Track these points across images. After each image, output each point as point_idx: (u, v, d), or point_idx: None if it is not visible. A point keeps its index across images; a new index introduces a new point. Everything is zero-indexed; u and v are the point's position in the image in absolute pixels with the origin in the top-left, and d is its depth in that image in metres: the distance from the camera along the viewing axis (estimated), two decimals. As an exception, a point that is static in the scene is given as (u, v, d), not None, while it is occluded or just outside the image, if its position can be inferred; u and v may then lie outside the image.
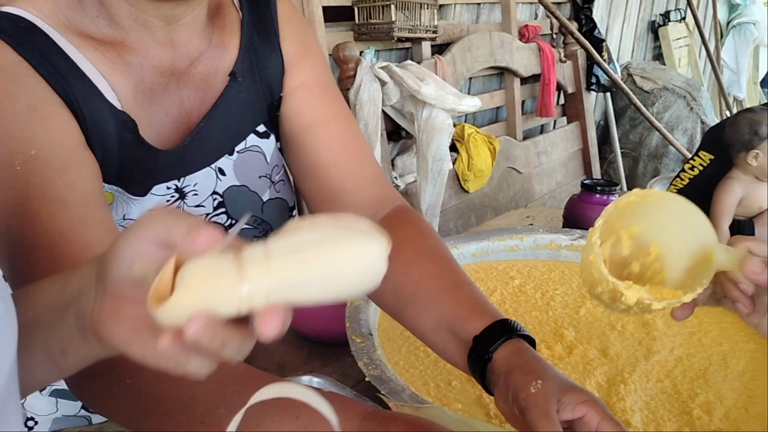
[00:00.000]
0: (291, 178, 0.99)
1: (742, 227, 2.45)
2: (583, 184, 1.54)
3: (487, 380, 0.71)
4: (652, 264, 0.67)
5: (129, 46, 0.78)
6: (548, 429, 0.61)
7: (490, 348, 0.70)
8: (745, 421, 0.85)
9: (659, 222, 0.66)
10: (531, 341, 0.73)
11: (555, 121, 4.03)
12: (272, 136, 0.94)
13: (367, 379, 0.87)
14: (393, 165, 2.63)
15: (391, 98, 2.28)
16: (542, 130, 3.93)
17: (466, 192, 2.92)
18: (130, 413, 0.62)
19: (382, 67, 2.25)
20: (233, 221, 0.91)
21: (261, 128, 0.93)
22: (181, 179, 0.85)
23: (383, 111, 2.36)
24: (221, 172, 0.89)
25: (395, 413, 0.57)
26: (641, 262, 0.67)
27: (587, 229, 1.40)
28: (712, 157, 2.61)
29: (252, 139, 0.92)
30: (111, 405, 0.64)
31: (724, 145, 2.45)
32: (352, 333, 0.97)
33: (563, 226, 1.58)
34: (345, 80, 2.24)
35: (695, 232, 0.64)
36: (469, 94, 2.87)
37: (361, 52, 2.35)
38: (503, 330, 0.72)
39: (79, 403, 0.98)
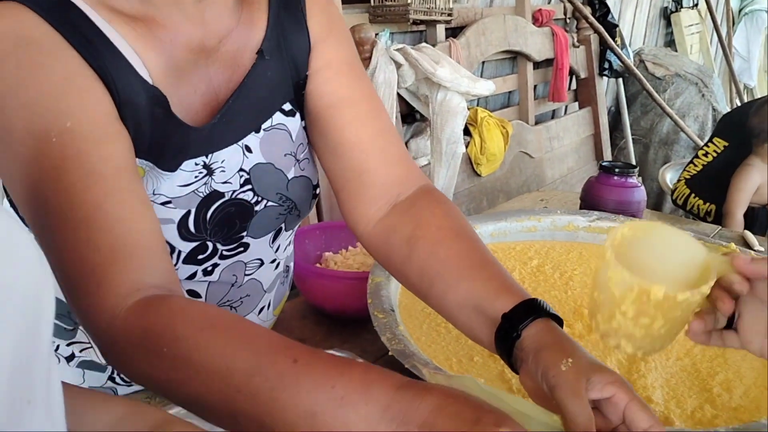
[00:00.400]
0: (315, 156, 1.00)
1: (756, 215, 2.46)
2: (601, 166, 1.54)
3: (514, 358, 0.72)
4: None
5: (160, 23, 0.79)
6: (577, 407, 0.62)
7: (520, 326, 0.71)
8: (765, 399, 0.86)
9: (659, 256, 0.69)
10: (558, 321, 0.73)
11: (567, 107, 4.03)
12: (298, 115, 0.95)
13: (390, 353, 0.88)
14: (407, 147, 2.63)
15: (406, 80, 2.29)
16: (554, 115, 3.92)
17: (479, 176, 2.92)
18: (167, 382, 0.63)
19: (397, 50, 2.25)
20: (259, 198, 0.92)
21: (287, 106, 0.94)
22: (209, 156, 0.86)
23: (398, 93, 2.36)
24: (248, 149, 0.90)
25: (429, 384, 0.58)
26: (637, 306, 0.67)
27: (605, 211, 1.42)
28: (726, 143, 2.61)
29: (278, 117, 0.93)
30: (147, 374, 0.64)
31: (746, 133, 2.44)
32: (374, 309, 0.98)
33: (580, 208, 1.59)
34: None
35: (689, 254, 0.68)
36: (482, 77, 2.87)
37: (376, 35, 2.35)
38: (532, 309, 0.72)
39: (106, 375, 0.99)
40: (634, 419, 0.62)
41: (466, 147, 2.80)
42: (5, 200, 0.79)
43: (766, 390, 0.88)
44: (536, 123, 3.51)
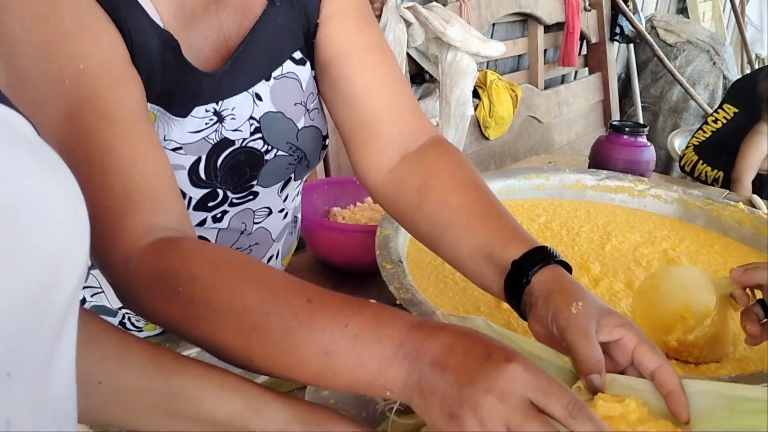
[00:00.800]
0: (324, 107, 1.00)
1: (764, 182, 2.44)
2: (611, 125, 1.54)
3: (523, 304, 0.73)
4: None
5: None
6: (587, 348, 0.62)
7: (530, 272, 0.71)
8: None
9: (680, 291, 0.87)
10: (568, 268, 0.74)
11: (576, 72, 4.00)
12: (308, 64, 0.95)
13: (398, 302, 0.89)
14: (415, 108, 2.62)
15: (416, 40, 2.27)
16: (563, 80, 3.89)
17: (487, 139, 2.92)
18: (183, 321, 0.64)
19: (407, 8, 2.23)
20: (269, 147, 0.92)
21: (297, 55, 0.93)
22: (220, 102, 0.86)
23: (407, 53, 2.34)
24: (258, 97, 0.90)
25: (441, 323, 0.58)
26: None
27: (613, 170, 1.41)
28: (736, 110, 2.59)
29: (288, 66, 0.93)
30: (163, 313, 0.65)
31: (756, 99, 2.42)
32: (383, 260, 0.99)
33: (589, 167, 1.58)
34: (370, 20, 2.22)
35: (701, 287, 0.85)
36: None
37: (386, -7, 2.33)
38: (542, 256, 0.72)
39: (117, 320, 1.01)
40: (642, 360, 0.63)
41: (475, 109, 2.78)
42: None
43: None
44: (546, 87, 3.49)
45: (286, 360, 0.59)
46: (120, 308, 0.99)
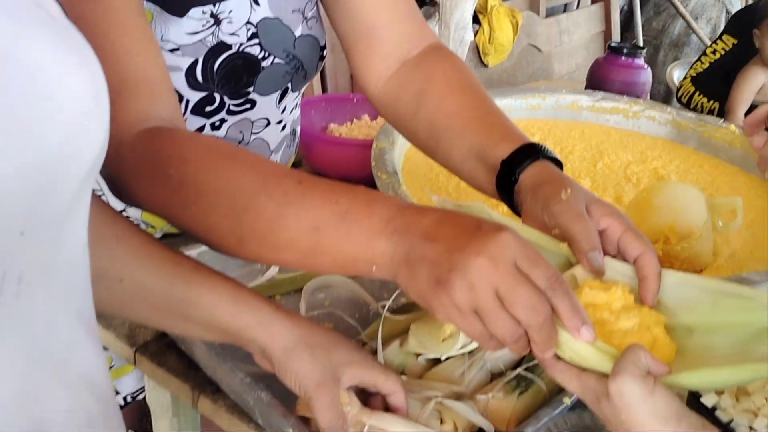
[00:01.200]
0: (323, 16, 1.00)
1: (759, 113, 2.44)
2: (609, 47, 1.54)
3: (515, 202, 0.73)
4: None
5: None
6: (583, 228, 0.63)
7: (517, 169, 0.72)
8: (749, 261, 0.90)
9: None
10: (559, 165, 0.74)
11: (579, 0, 3.94)
12: (306, -30, 0.94)
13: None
14: (414, 33, 2.59)
15: (417, -40, 2.23)
16: (565, 8, 3.84)
17: (486, 66, 2.90)
18: (173, 204, 0.64)
19: (408, -74, 2.19)
20: (266, 53, 0.92)
21: None
22: (217, 5, 0.86)
23: (407, -26, 2.30)
24: (255, 1, 0.90)
25: (430, 206, 0.60)
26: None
27: (610, 92, 1.42)
28: (735, 41, 2.56)
29: None
30: (153, 197, 0.66)
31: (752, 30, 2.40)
32: (378, 170, 1.01)
33: (585, 89, 1.59)
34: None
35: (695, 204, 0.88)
36: (494, -36, 2.79)
37: None
38: (530, 152, 0.73)
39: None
40: (627, 248, 0.63)
41: (475, 36, 2.75)
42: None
43: (750, 254, 0.92)
44: (547, 15, 3.44)
45: (276, 239, 0.60)
46: (121, 211, 1.01)
